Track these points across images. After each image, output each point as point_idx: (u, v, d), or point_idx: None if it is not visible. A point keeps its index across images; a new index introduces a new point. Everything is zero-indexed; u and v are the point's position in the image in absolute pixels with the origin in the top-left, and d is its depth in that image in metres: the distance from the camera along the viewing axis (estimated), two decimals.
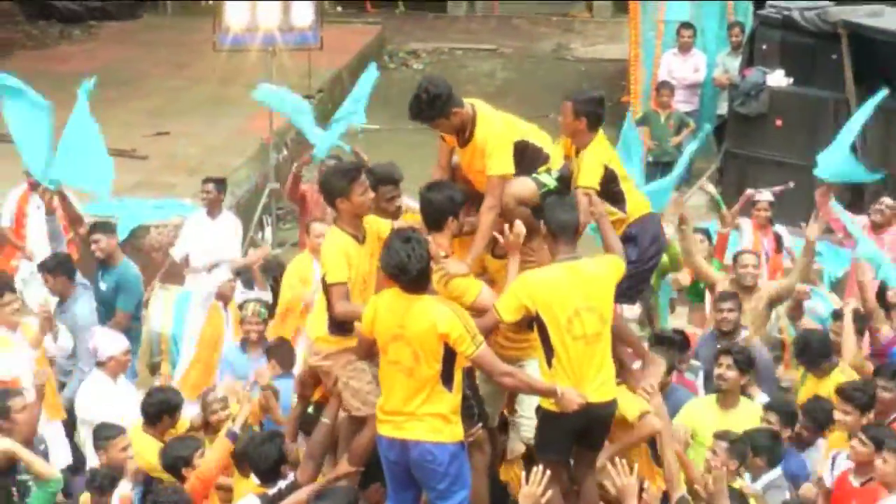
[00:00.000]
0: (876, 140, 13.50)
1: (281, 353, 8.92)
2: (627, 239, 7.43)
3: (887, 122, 13.36)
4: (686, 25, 15.72)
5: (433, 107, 7.19)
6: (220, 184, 11.95)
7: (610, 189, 7.46)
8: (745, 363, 8.59)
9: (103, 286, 10.33)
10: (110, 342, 9.31)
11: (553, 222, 6.90)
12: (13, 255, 11.89)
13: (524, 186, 7.27)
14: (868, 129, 13.54)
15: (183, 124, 16.52)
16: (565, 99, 7.48)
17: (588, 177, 7.35)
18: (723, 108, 15.46)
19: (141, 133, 15.96)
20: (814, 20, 14.02)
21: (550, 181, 7.34)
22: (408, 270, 6.52)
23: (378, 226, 7.11)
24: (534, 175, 7.33)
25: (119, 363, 9.24)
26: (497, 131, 7.25)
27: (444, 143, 7.47)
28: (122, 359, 9.29)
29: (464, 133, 7.29)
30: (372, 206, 7.18)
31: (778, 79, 14.21)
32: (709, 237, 11.16)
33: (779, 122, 14.07)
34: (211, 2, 15.47)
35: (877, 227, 11.27)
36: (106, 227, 10.56)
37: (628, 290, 7.46)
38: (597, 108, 7.47)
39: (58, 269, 10.00)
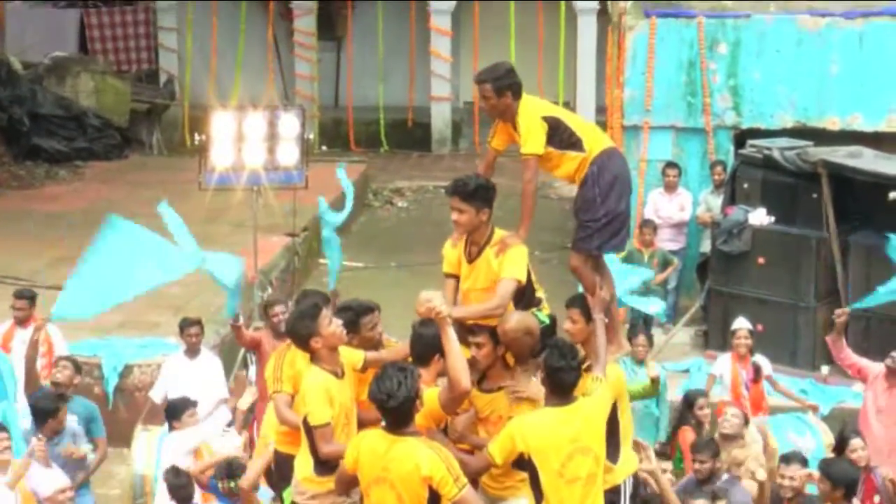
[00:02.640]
0: (858, 278, 13.56)
1: None
2: (587, 179, 7.52)
3: (868, 259, 13.43)
4: (671, 165, 15.88)
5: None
6: (200, 324, 11.99)
7: (561, 137, 7.52)
8: None
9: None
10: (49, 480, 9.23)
11: (553, 374, 6.91)
12: None
13: (531, 318, 7.39)
14: (850, 266, 13.69)
15: None
16: (480, 83, 7.53)
17: (530, 142, 7.44)
18: (706, 246, 15.54)
19: None
20: (794, 160, 14.17)
21: (545, 319, 7.48)
22: (395, 396, 6.47)
23: (351, 356, 7.17)
24: (533, 311, 7.45)
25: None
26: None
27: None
28: (60, 498, 9.14)
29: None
30: (355, 340, 7.23)
31: (760, 217, 14.31)
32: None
33: (761, 260, 14.13)
34: (197, 141, 15.58)
35: (892, 376, 11.07)
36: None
37: (613, 239, 7.62)
38: (514, 78, 7.54)
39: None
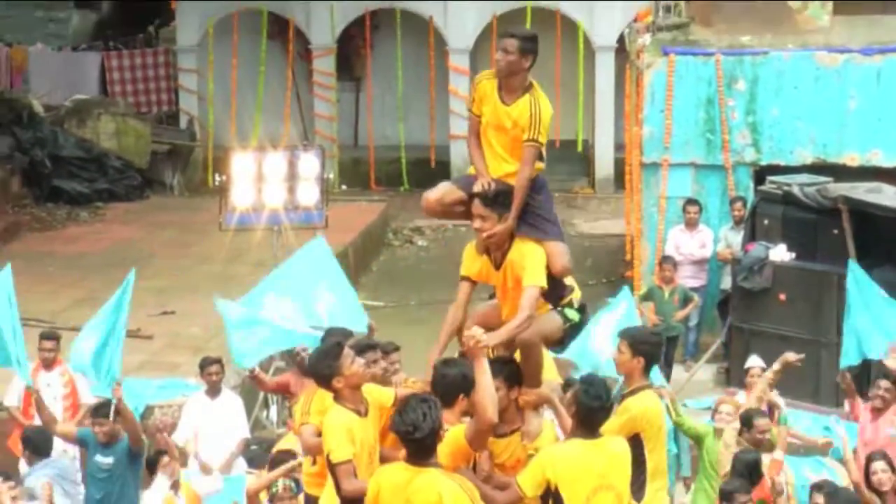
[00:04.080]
0: None
1: None
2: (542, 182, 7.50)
3: (890, 293, 13.35)
4: (692, 202, 15.87)
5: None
6: (220, 363, 12.00)
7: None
8: None
9: (105, 461, 10.33)
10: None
11: (585, 412, 6.93)
12: (21, 433, 11.83)
13: (550, 323, 7.37)
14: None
15: (188, 303, 16.58)
16: (507, 37, 7.40)
17: (543, 133, 7.36)
18: (726, 283, 15.51)
19: (146, 313, 16.01)
20: (814, 196, 14.15)
21: (575, 315, 7.45)
22: (420, 428, 6.47)
23: (380, 395, 7.17)
24: (559, 308, 7.41)
25: None
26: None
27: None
28: None
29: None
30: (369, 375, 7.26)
31: (780, 253, 14.28)
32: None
33: (782, 297, 14.10)
34: (217, 182, 15.64)
35: (877, 412, 11.10)
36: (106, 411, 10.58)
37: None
38: (537, 47, 7.46)
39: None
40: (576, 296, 7.54)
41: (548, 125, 7.37)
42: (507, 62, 7.36)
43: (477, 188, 7.33)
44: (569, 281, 7.59)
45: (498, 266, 7.43)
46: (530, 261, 7.28)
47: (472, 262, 7.58)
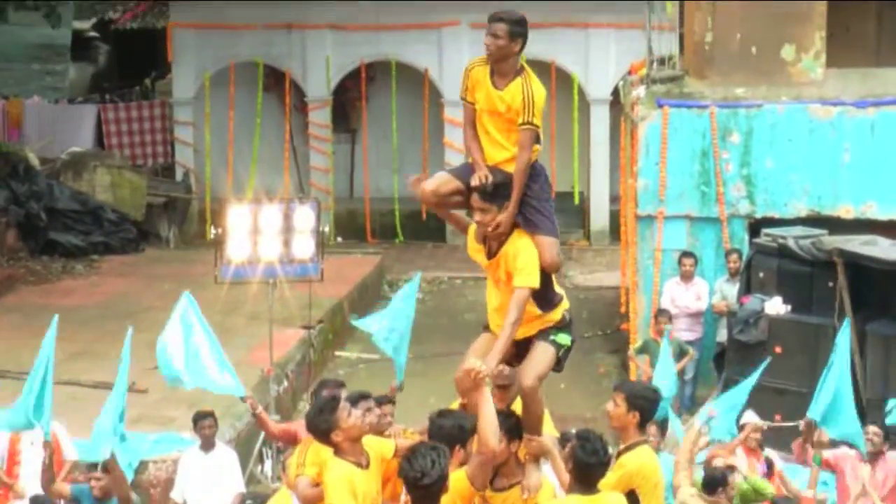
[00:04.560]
0: (876, 367, 13.49)
1: None
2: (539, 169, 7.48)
3: (886, 348, 13.38)
4: (687, 254, 15.88)
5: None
6: (214, 417, 11.96)
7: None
8: None
9: None
10: None
11: (582, 468, 6.93)
12: (6, 496, 11.74)
13: (546, 360, 7.36)
14: (868, 355, 13.61)
15: None
16: (495, 21, 7.33)
17: (537, 115, 7.29)
18: (722, 336, 15.49)
19: (142, 366, 15.94)
20: (809, 248, 14.16)
21: (566, 340, 7.45)
22: (429, 475, 6.45)
23: (380, 447, 7.15)
24: (552, 338, 7.40)
25: None
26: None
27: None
28: None
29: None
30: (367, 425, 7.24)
31: (776, 306, 14.27)
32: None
33: (778, 350, 14.07)
34: (213, 235, 15.65)
35: (869, 458, 11.10)
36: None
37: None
38: (527, 30, 7.40)
39: None
40: (564, 306, 7.54)
41: (541, 107, 7.31)
42: (497, 46, 7.34)
43: (475, 181, 7.26)
44: (559, 289, 7.60)
45: (491, 255, 7.43)
46: (524, 259, 7.25)
47: (473, 245, 7.59)
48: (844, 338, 11.27)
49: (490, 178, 7.24)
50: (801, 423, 11.07)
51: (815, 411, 10.94)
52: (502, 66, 7.35)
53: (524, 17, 7.40)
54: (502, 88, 7.33)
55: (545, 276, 7.35)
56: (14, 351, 16.20)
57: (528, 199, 7.35)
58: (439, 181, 7.50)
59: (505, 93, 7.32)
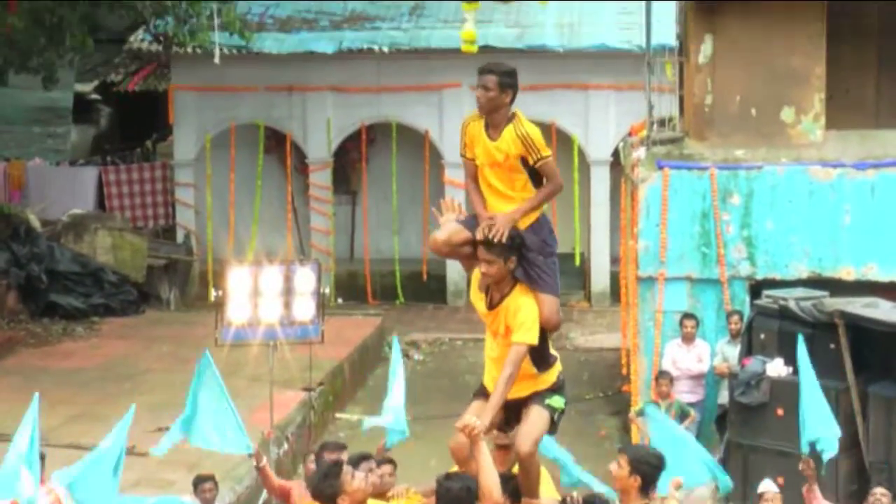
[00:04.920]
0: (879, 429, 13.44)
1: None
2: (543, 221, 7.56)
3: (888, 410, 13.33)
4: (688, 316, 15.86)
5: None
6: (214, 480, 11.91)
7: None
8: None
9: None
10: None
11: None
12: None
13: (542, 424, 7.41)
14: (870, 417, 13.57)
15: None
16: (485, 73, 7.43)
17: (545, 147, 7.43)
18: (724, 398, 15.44)
19: (142, 429, 15.89)
20: (810, 310, 14.14)
21: (560, 403, 7.52)
22: None
23: None
24: (547, 402, 7.44)
25: None
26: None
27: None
28: None
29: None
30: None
31: (777, 368, 14.22)
32: None
33: (780, 412, 14.00)
34: (214, 297, 15.65)
35: None
36: None
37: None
38: (517, 81, 7.48)
39: None
40: (558, 368, 7.58)
41: (542, 140, 7.42)
42: (488, 98, 7.41)
43: (479, 235, 7.34)
44: (553, 351, 7.63)
45: (492, 306, 7.44)
46: (524, 316, 7.29)
47: (475, 292, 7.63)
48: (802, 352, 11.60)
49: (495, 231, 7.28)
50: (801, 465, 11.05)
51: (804, 444, 11.01)
52: (494, 117, 7.43)
53: (514, 68, 7.48)
54: (496, 139, 7.40)
55: (542, 335, 7.37)
56: (14, 413, 16.05)
57: (531, 256, 7.39)
58: (451, 231, 7.56)
59: (500, 142, 7.39)
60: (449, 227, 7.58)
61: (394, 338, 12.79)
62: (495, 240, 7.25)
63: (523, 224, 7.42)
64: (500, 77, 7.39)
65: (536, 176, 7.49)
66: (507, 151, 7.36)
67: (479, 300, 7.54)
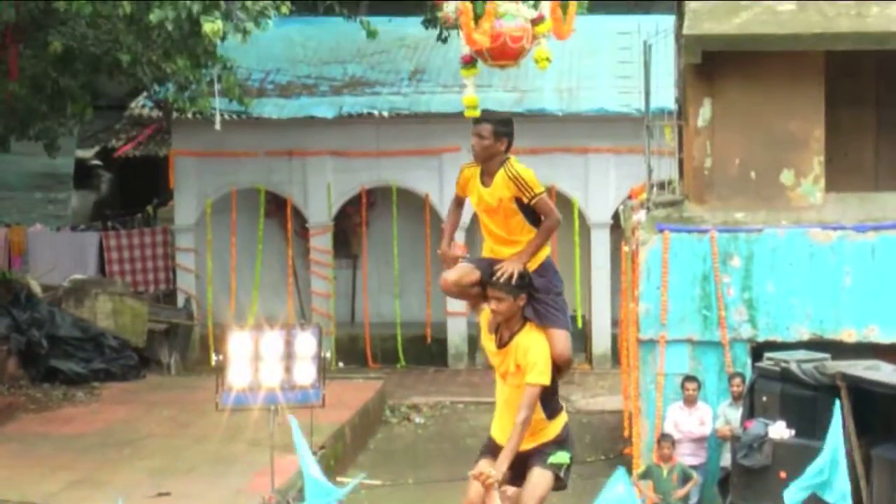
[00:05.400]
0: (883, 492, 13.39)
1: None
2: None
3: (892, 473, 13.28)
4: (690, 378, 15.84)
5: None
6: None
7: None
8: None
9: None
10: None
11: None
12: None
13: (546, 485, 7.46)
14: (873, 480, 13.52)
15: (184, 484, 16.40)
16: (480, 122, 7.63)
17: (538, 185, 7.58)
18: (726, 460, 15.40)
19: (143, 494, 15.84)
20: (812, 373, 14.13)
21: (566, 458, 7.57)
22: None
23: None
24: (550, 462, 7.48)
25: None
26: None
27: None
28: None
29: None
30: None
31: (780, 430, 14.20)
32: None
33: (783, 474, 13.94)
34: (215, 361, 15.65)
35: None
36: None
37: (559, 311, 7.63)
38: (512, 130, 7.64)
39: None
40: (564, 418, 7.61)
41: (534, 178, 7.57)
42: (482, 147, 7.56)
43: (496, 276, 7.49)
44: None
45: (502, 345, 7.49)
46: (535, 356, 7.37)
47: (485, 333, 7.71)
48: (836, 416, 11.55)
49: (506, 272, 7.36)
50: None
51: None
52: (490, 165, 7.58)
53: (509, 117, 7.63)
54: (490, 185, 7.49)
55: (552, 379, 7.43)
56: (14, 479, 16.11)
57: (538, 295, 7.47)
58: (461, 273, 7.68)
59: (493, 188, 7.53)
60: (459, 268, 7.72)
61: (290, 417, 12.72)
62: (503, 279, 7.33)
63: (530, 268, 7.50)
64: (494, 125, 7.53)
65: (534, 215, 7.58)
66: (500, 196, 7.50)
67: (489, 340, 7.63)
